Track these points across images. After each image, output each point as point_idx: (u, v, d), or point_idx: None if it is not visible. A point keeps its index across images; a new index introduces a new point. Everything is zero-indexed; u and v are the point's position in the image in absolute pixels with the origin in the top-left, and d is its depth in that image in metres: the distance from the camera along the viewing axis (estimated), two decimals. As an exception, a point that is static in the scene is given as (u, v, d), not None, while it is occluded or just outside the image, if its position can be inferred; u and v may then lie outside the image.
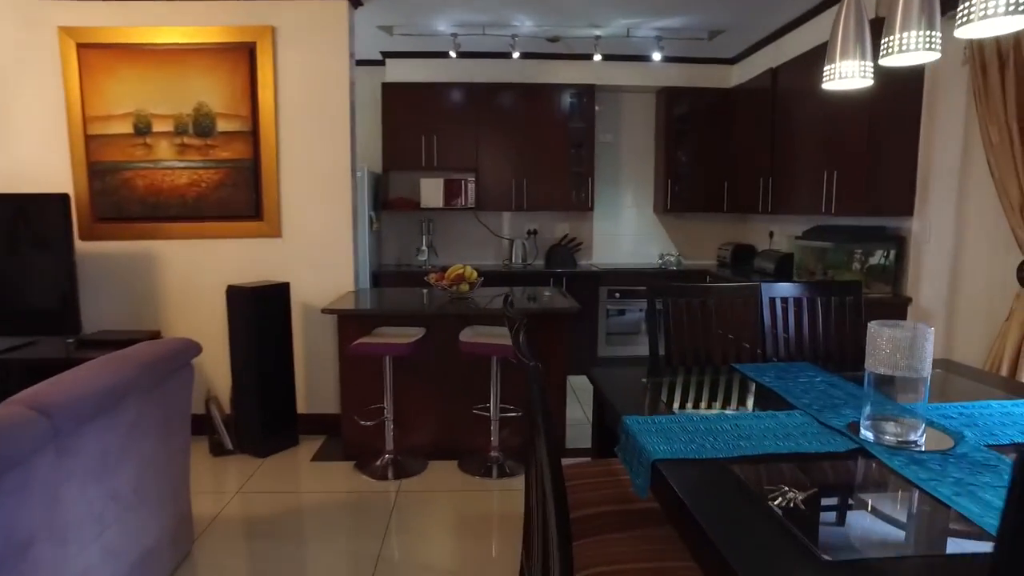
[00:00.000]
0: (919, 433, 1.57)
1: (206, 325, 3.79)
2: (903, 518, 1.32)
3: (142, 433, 2.00)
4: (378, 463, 3.37)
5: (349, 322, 3.45)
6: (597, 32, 4.56)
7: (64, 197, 3.26)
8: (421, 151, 5.32)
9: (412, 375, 3.51)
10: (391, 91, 5.29)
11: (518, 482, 3.22)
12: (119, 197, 3.67)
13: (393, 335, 3.29)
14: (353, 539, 2.70)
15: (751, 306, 2.63)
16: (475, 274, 3.61)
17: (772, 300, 2.63)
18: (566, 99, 5.37)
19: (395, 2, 4.10)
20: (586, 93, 5.39)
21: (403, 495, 3.09)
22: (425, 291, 3.98)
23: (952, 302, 3.24)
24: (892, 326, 1.58)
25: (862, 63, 1.77)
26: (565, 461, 1.53)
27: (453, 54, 4.65)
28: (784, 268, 4.54)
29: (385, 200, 5.53)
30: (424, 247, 5.47)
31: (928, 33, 1.70)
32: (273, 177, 3.74)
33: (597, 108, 5.46)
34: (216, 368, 3.80)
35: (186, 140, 3.65)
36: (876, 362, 1.59)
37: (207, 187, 3.71)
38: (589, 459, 2.20)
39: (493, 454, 3.41)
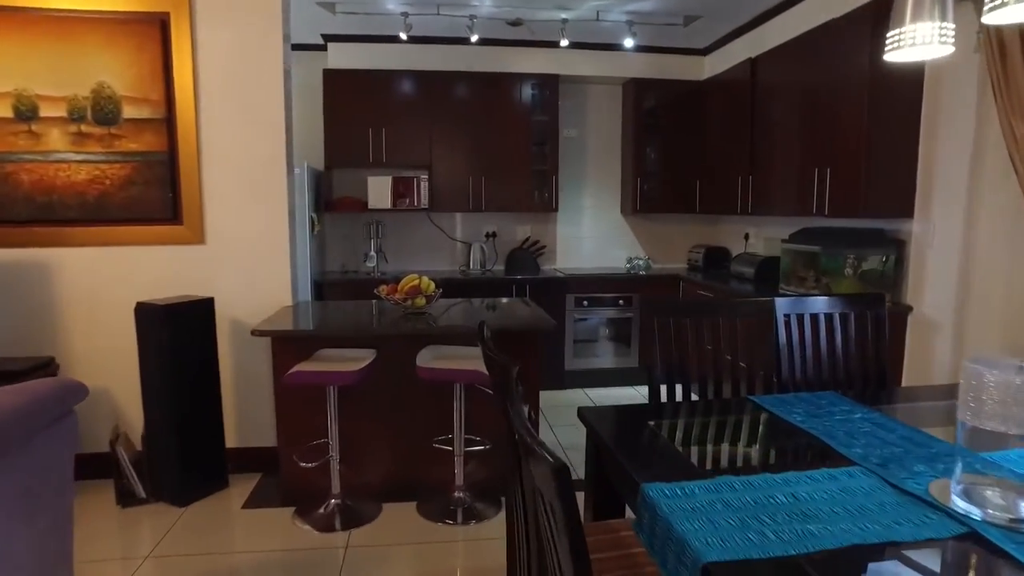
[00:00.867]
0: (1038, 506, 1.21)
1: (115, 348, 3.20)
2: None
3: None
4: (322, 510, 2.86)
5: (286, 345, 2.93)
6: (564, 15, 4.15)
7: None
8: (368, 146, 4.80)
9: (361, 404, 3.02)
10: (334, 79, 4.75)
11: (488, 528, 2.77)
12: (-1, 196, 3.04)
13: (338, 360, 2.79)
14: (291, 617, 2.20)
15: (765, 324, 2.26)
16: (432, 286, 3.14)
17: (787, 317, 2.27)
18: (528, 90, 4.94)
19: (337, -26, 3.59)
20: (549, 84, 4.98)
21: (353, 551, 2.59)
22: (374, 302, 3.49)
23: (962, 312, 2.96)
24: (997, 367, 1.21)
25: (942, 25, 1.39)
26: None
27: (404, 36, 4.16)
28: (766, 273, 4.23)
29: (328, 200, 4.99)
30: (372, 252, 4.95)
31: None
32: (194, 174, 3.18)
33: (561, 101, 5.05)
34: (128, 398, 3.22)
35: (84, 128, 3.05)
36: (981, 416, 1.21)
37: (112, 185, 3.11)
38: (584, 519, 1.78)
39: (457, 495, 2.95)
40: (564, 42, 4.21)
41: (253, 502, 3.01)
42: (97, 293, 3.20)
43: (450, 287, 3.18)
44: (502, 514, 2.90)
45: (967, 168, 2.89)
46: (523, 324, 2.99)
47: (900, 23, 1.55)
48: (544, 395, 4.04)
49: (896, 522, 1.20)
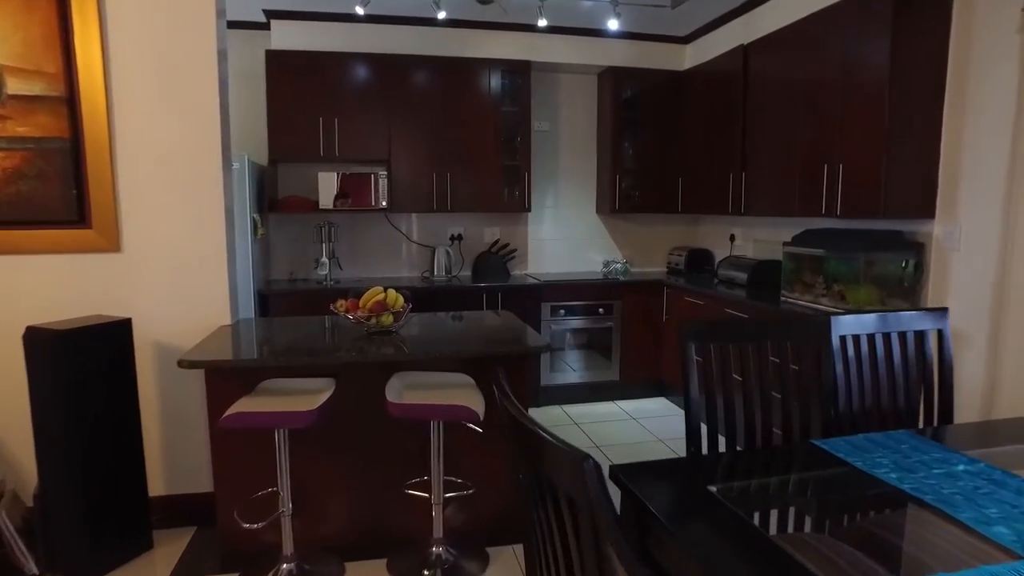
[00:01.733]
0: None
1: (1, 381, 2.59)
2: None
3: None
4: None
5: (223, 375, 2.39)
6: (542, -8, 3.70)
7: None
8: (319, 138, 4.25)
9: (318, 444, 2.50)
10: (278, 61, 4.18)
11: (476, 593, 2.31)
12: None
13: (288, 394, 2.27)
14: None
15: (818, 349, 1.87)
16: (401, 300, 2.65)
17: (843, 339, 1.89)
18: (497, 78, 4.48)
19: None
20: (521, 71, 4.53)
21: (310, 634, 2.09)
22: (328, 318, 2.98)
23: (996, 323, 2.66)
24: None
25: None
26: None
27: (360, 10, 3.63)
28: (762, 278, 3.89)
29: (273, 199, 4.40)
30: (324, 258, 4.39)
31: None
32: (105, 166, 2.60)
33: (532, 91, 4.60)
34: (18, 447, 2.61)
35: (-43, 108, 2.43)
36: None
37: (-2, 179, 2.50)
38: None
39: (436, 549, 2.47)
40: (542, 22, 3.76)
41: (184, 569, 2.45)
42: (-20, 314, 2.58)
43: (413, 297, 2.70)
44: (490, 570, 2.45)
45: (1005, 162, 2.59)
46: (514, 348, 2.54)
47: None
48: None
49: None
